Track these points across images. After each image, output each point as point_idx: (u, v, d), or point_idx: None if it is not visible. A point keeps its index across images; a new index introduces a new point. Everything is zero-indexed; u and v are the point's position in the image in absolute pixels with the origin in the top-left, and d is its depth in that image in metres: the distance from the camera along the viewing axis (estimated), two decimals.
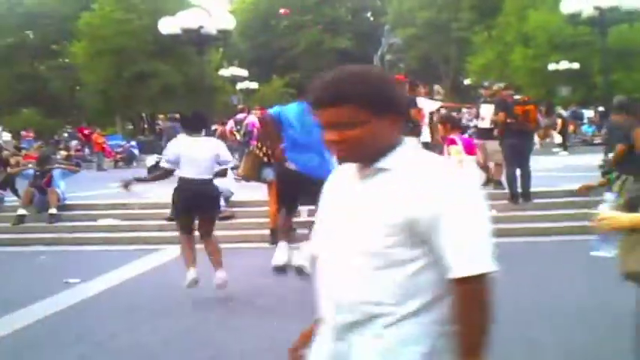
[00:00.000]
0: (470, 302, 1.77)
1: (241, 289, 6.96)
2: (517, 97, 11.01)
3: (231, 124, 16.94)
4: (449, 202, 1.76)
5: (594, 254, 3.34)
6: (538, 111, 11.61)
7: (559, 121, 24.76)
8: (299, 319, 5.91)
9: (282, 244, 6.55)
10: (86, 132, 28.11)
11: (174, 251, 8.42)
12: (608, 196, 3.31)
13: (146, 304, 6.67)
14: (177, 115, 23.26)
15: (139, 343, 5.45)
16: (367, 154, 1.87)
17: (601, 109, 26.22)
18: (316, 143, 6.30)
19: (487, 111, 11.28)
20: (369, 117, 1.81)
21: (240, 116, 16.24)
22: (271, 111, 6.94)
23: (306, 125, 6.37)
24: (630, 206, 3.00)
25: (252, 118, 14.99)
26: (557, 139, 24.64)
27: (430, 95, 12.60)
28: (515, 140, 9.92)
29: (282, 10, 21.67)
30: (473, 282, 1.74)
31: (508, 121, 10.07)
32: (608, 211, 3.01)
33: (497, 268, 1.74)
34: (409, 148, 1.90)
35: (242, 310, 6.32)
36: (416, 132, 10.21)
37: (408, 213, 1.77)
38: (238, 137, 15.58)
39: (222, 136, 16.79)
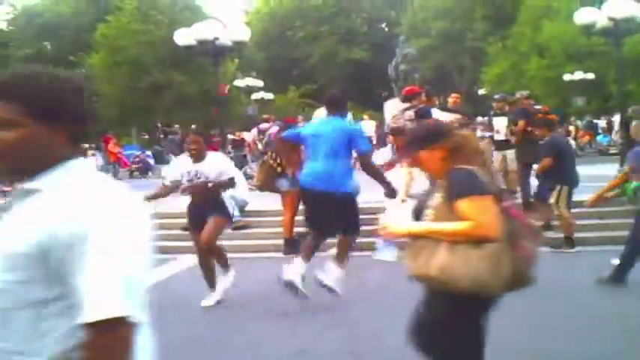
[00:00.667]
0: (93, 353, 1.47)
1: (255, 298, 7.00)
2: (537, 106, 11.02)
3: (254, 132, 17.09)
4: (81, 231, 1.48)
5: (376, 258, 3.52)
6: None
7: (572, 128, 25.64)
8: (311, 327, 5.95)
9: (297, 261, 6.54)
10: (112, 142, 28.25)
11: (189, 260, 8.48)
12: (387, 203, 3.52)
13: (161, 313, 6.69)
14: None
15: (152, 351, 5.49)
16: (20, 166, 1.61)
17: (614, 118, 26.45)
18: (324, 153, 6.45)
19: (500, 123, 11.33)
20: (27, 120, 1.57)
21: (264, 126, 16.38)
22: (291, 132, 7.25)
23: (320, 136, 6.48)
24: (415, 214, 3.22)
25: (275, 129, 15.12)
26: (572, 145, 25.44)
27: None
28: (532, 149, 9.89)
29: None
30: (100, 329, 1.44)
31: (529, 129, 10.09)
32: (391, 218, 3.32)
33: (135, 312, 1.49)
34: (77, 167, 1.64)
35: (255, 319, 6.35)
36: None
37: (38, 242, 1.49)
38: (260, 146, 15.68)
39: (236, 144, 16.87)
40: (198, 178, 6.86)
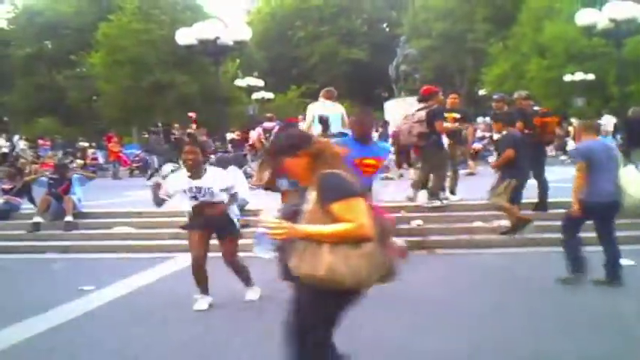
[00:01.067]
0: None
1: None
2: (536, 108, 10.97)
3: (259, 131, 17.05)
4: None
5: (256, 254, 3.66)
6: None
7: (571, 129, 26.01)
8: None
9: None
10: (114, 141, 28.22)
11: (188, 259, 8.46)
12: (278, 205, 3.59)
13: (159, 312, 6.71)
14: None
15: (151, 351, 5.49)
16: None
17: (602, 120, 26.66)
18: None
19: None
20: None
21: (268, 124, 16.36)
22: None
23: None
24: (288, 218, 3.40)
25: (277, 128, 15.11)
26: (571, 145, 25.85)
27: None
28: (530, 151, 9.84)
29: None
30: None
31: (525, 131, 10.04)
32: (273, 218, 3.42)
33: None
34: None
35: (254, 318, 6.34)
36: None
37: None
38: (266, 144, 15.68)
39: (235, 143, 16.75)
40: (203, 195, 6.64)
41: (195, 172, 6.58)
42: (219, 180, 6.70)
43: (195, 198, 6.63)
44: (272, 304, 6.78)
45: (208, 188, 6.59)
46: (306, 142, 3.40)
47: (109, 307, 7.12)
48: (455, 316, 5.95)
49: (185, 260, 8.68)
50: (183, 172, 6.71)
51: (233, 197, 6.98)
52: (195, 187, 6.58)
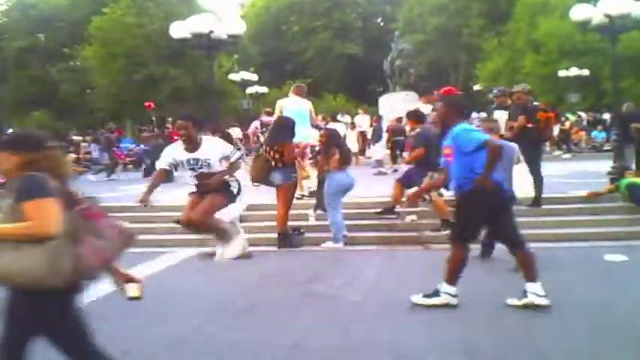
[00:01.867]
0: None
1: (248, 292, 6.98)
2: (536, 103, 10.98)
3: (256, 125, 16.93)
4: None
5: None
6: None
7: (567, 123, 26.02)
8: (304, 321, 5.92)
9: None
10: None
11: (183, 254, 8.45)
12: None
13: (153, 307, 6.66)
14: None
15: (144, 345, 5.48)
16: None
17: (606, 115, 26.65)
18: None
19: (500, 117, 11.28)
20: None
21: (266, 119, 16.30)
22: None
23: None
24: None
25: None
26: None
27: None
28: (530, 146, 9.81)
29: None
30: None
31: (529, 125, 10.01)
32: None
33: None
34: None
35: (248, 312, 6.34)
36: None
37: None
38: (262, 139, 15.66)
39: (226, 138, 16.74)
40: (200, 167, 6.78)
41: (190, 145, 6.78)
42: (215, 150, 6.87)
43: (193, 170, 6.84)
44: (267, 297, 6.79)
45: (205, 160, 6.73)
46: (23, 146, 3.43)
47: (101, 301, 7.09)
48: (450, 312, 5.95)
49: (180, 255, 8.70)
50: (179, 144, 6.85)
51: (233, 166, 7.02)
52: (192, 159, 6.79)
